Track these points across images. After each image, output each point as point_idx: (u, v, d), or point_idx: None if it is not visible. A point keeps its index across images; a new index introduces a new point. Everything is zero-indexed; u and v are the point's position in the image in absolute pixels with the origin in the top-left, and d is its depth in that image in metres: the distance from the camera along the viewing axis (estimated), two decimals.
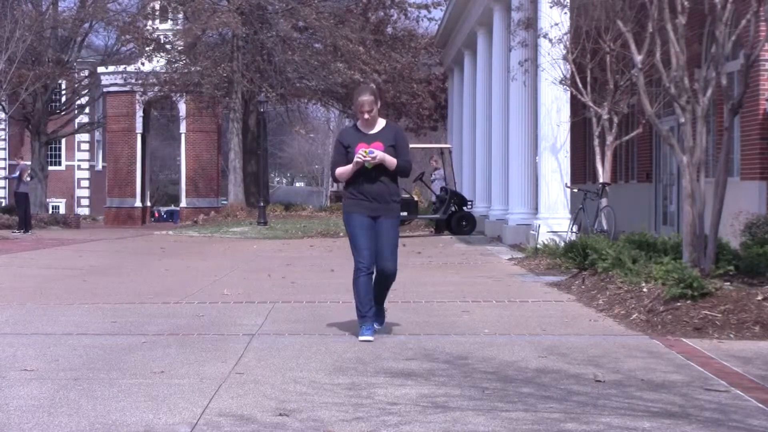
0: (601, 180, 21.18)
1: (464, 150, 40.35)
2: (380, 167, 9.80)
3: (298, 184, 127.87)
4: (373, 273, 9.89)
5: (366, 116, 9.87)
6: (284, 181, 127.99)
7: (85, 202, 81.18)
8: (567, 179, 22.47)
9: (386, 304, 10.55)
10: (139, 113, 53.51)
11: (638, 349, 9.22)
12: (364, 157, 9.67)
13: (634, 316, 11.00)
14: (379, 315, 10.21)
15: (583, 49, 21.06)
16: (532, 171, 25.68)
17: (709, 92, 12.38)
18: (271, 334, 10.30)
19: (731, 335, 9.78)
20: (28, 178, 37.79)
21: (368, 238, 9.82)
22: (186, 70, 44.32)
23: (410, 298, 13.21)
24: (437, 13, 46.66)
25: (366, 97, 9.85)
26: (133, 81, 47.61)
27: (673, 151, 12.97)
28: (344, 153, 9.96)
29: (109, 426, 6.34)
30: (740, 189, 19.25)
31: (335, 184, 42.84)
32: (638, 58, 14.00)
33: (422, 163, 56.50)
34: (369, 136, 9.92)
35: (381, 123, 10.06)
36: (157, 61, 45.36)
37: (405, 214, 29.97)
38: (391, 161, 9.82)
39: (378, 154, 9.70)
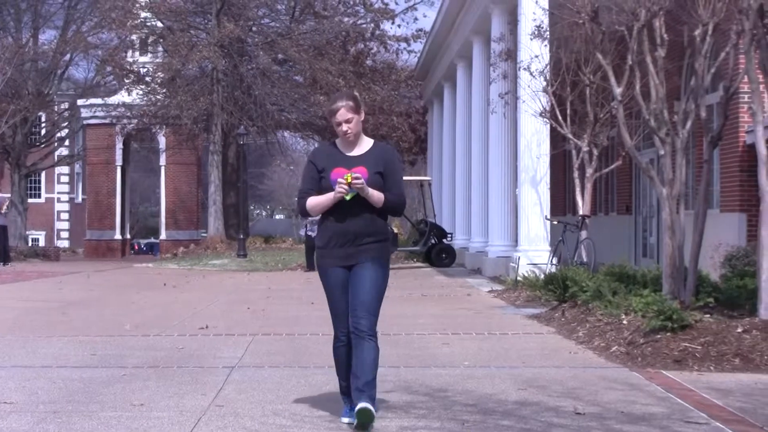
0: (581, 212, 21.22)
1: (444, 182, 40.38)
2: (364, 199, 7.29)
3: (278, 217, 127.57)
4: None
5: (344, 128, 7.37)
6: (264, 213, 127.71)
7: (64, 234, 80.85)
8: (547, 211, 22.48)
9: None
10: (119, 146, 53.43)
11: (618, 381, 9.23)
12: (344, 187, 7.19)
13: (614, 348, 11.00)
14: (364, 391, 7.31)
15: (563, 82, 21.15)
16: (512, 203, 25.71)
17: (688, 124, 12.46)
18: (250, 367, 10.26)
19: (711, 367, 9.79)
20: (5, 210, 37.55)
21: (346, 300, 7.46)
22: (166, 102, 44.30)
23: (390, 330, 13.14)
24: (417, 46, 46.79)
25: (341, 103, 7.41)
26: (112, 113, 47.55)
27: (653, 183, 13.03)
28: (317, 179, 7.43)
29: None
30: (720, 221, 19.31)
31: (302, 219, 36.35)
32: (618, 91, 14.08)
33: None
34: (350, 158, 7.41)
35: (367, 143, 7.55)
36: (137, 93, 45.34)
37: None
38: (378, 198, 7.31)
39: (362, 182, 7.23)
